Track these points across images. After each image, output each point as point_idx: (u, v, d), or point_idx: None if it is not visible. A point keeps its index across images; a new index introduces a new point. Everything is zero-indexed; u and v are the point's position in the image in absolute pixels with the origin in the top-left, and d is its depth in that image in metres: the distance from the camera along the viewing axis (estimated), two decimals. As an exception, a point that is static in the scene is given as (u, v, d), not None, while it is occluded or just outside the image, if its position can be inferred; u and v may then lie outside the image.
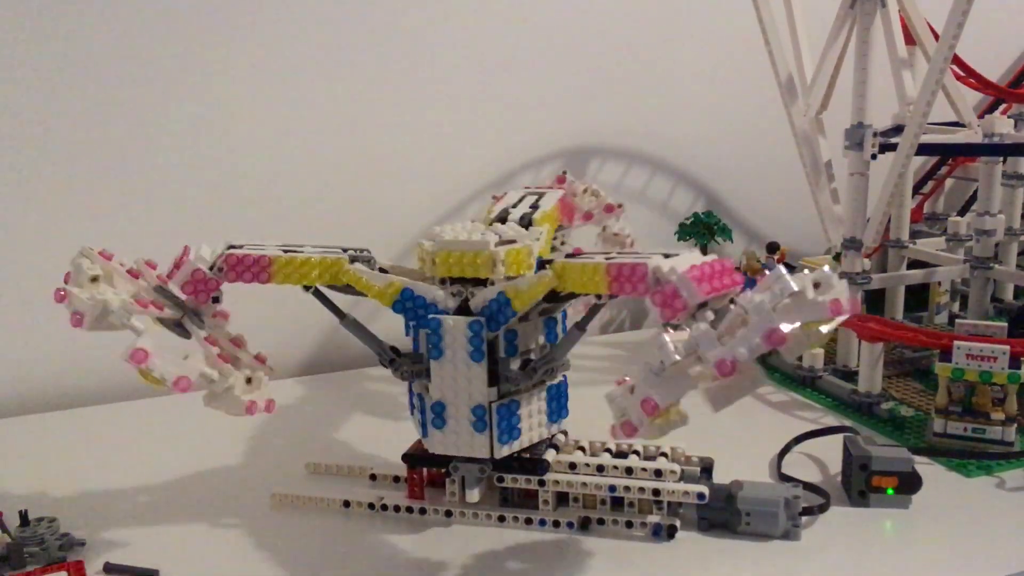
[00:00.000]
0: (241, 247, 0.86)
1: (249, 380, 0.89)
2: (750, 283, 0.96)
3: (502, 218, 0.89)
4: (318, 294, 0.87)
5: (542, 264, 0.82)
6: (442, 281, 0.82)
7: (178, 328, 0.87)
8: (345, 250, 0.87)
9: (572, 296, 0.80)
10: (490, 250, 0.79)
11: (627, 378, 0.72)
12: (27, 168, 1.20)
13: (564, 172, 1.14)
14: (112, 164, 1.24)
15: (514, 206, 0.92)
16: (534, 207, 0.92)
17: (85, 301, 0.80)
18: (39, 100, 1.19)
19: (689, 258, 0.71)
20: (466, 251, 0.80)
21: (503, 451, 0.83)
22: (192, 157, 1.27)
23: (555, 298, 0.80)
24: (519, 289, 0.78)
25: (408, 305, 0.82)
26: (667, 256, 0.72)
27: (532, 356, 0.85)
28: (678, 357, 0.68)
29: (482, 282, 0.81)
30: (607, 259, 0.74)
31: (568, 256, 0.81)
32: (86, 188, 1.23)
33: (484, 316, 0.80)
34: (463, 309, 0.81)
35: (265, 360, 0.92)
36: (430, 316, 0.80)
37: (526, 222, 0.88)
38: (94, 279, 0.83)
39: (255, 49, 1.28)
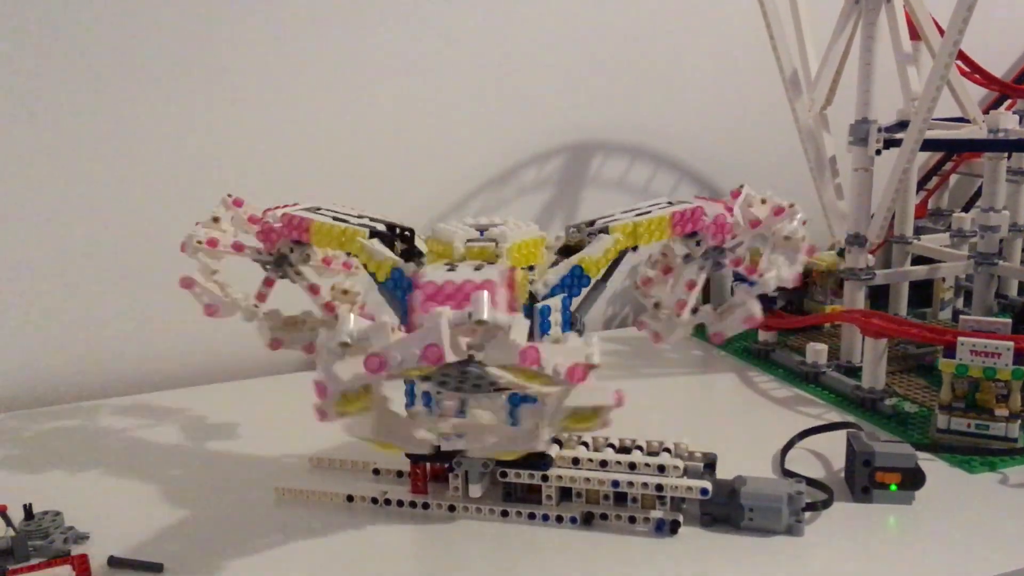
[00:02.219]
0: (319, 208, 0.95)
1: (346, 291, 1.03)
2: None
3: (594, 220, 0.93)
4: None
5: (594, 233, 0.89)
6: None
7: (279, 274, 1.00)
8: (391, 227, 0.89)
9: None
10: (542, 235, 0.88)
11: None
12: (27, 163, 1.21)
13: (741, 185, 1.01)
14: (114, 157, 1.24)
15: (626, 211, 0.95)
16: (641, 215, 0.94)
17: (218, 295, 0.97)
18: (40, 94, 1.19)
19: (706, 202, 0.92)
20: (528, 240, 0.85)
21: None
22: (194, 152, 1.27)
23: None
24: (593, 258, 0.86)
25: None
26: (681, 202, 0.92)
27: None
28: (349, 340, 0.68)
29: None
30: (663, 209, 0.91)
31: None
32: (85, 182, 1.23)
33: (559, 292, 0.85)
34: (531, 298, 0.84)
35: (351, 265, 1.04)
36: (542, 303, 0.83)
37: (602, 227, 0.90)
38: (214, 273, 0.98)
39: (258, 42, 1.27)
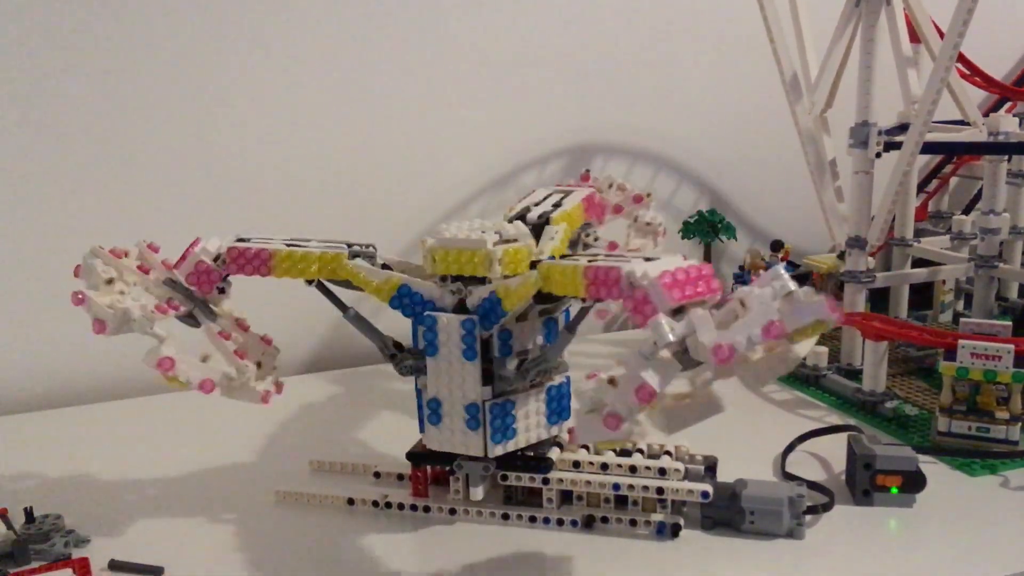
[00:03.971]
0: (249, 240, 0.88)
1: (260, 364, 0.93)
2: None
3: (522, 215, 0.87)
4: (321, 287, 0.88)
5: (533, 264, 0.80)
6: (442, 279, 0.83)
7: (189, 319, 0.89)
8: (349, 245, 0.87)
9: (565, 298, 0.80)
10: (487, 249, 0.79)
11: (598, 372, 0.69)
12: (28, 163, 1.21)
13: (587, 170, 1.11)
14: (116, 159, 1.24)
15: (537, 204, 0.91)
16: (556, 205, 0.91)
17: (106, 310, 0.83)
18: (39, 94, 1.19)
19: (667, 262, 0.70)
20: (464, 249, 0.80)
21: (496, 450, 0.83)
22: (196, 154, 1.27)
23: (550, 299, 0.80)
24: (509, 289, 0.78)
25: (405, 301, 0.83)
26: (648, 260, 0.71)
27: (531, 356, 0.84)
28: (672, 338, 0.65)
29: (483, 281, 0.81)
30: (588, 261, 0.74)
31: (607, 252, 0.84)
32: (88, 183, 1.23)
33: (478, 314, 0.80)
34: (462, 307, 0.81)
35: (271, 342, 0.95)
36: (425, 313, 0.81)
37: (543, 220, 0.86)
38: (109, 281, 0.86)
39: (260, 45, 1.28)
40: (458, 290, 0.81)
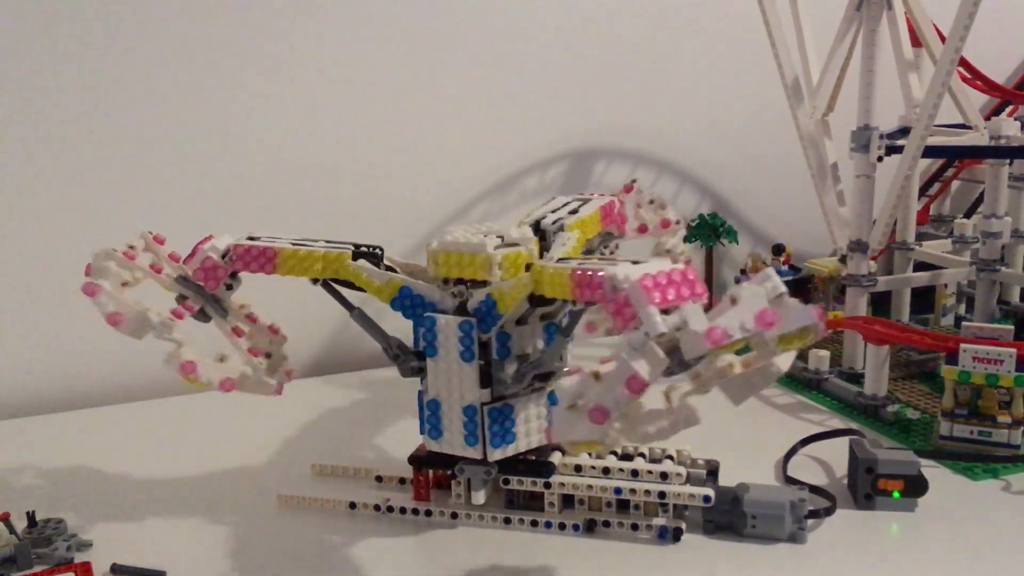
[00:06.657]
0: (258, 239, 0.89)
1: (269, 355, 0.96)
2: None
3: (537, 221, 0.89)
4: (327, 286, 0.88)
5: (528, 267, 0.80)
6: (444, 281, 0.83)
7: (200, 316, 0.90)
8: (356, 246, 0.87)
9: (567, 302, 0.79)
10: (487, 252, 0.79)
11: (580, 369, 0.67)
12: (33, 162, 1.21)
13: (633, 180, 1.07)
14: (122, 157, 1.24)
15: (554, 211, 0.92)
16: (573, 212, 0.91)
17: (129, 305, 0.86)
18: (45, 94, 1.19)
19: (652, 266, 0.68)
20: (464, 252, 0.81)
21: (495, 454, 0.83)
22: (203, 156, 1.27)
23: (547, 302, 0.79)
24: (503, 291, 0.79)
25: (406, 303, 0.84)
26: (636, 263, 0.70)
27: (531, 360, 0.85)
28: (663, 328, 0.63)
29: (484, 284, 0.82)
30: (578, 264, 0.74)
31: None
32: (94, 183, 1.24)
33: (477, 317, 0.80)
34: (463, 310, 0.82)
35: (278, 331, 0.97)
36: (425, 314, 0.82)
37: (558, 227, 0.87)
38: (124, 284, 0.88)
39: (267, 47, 1.28)
40: (459, 293, 0.82)
